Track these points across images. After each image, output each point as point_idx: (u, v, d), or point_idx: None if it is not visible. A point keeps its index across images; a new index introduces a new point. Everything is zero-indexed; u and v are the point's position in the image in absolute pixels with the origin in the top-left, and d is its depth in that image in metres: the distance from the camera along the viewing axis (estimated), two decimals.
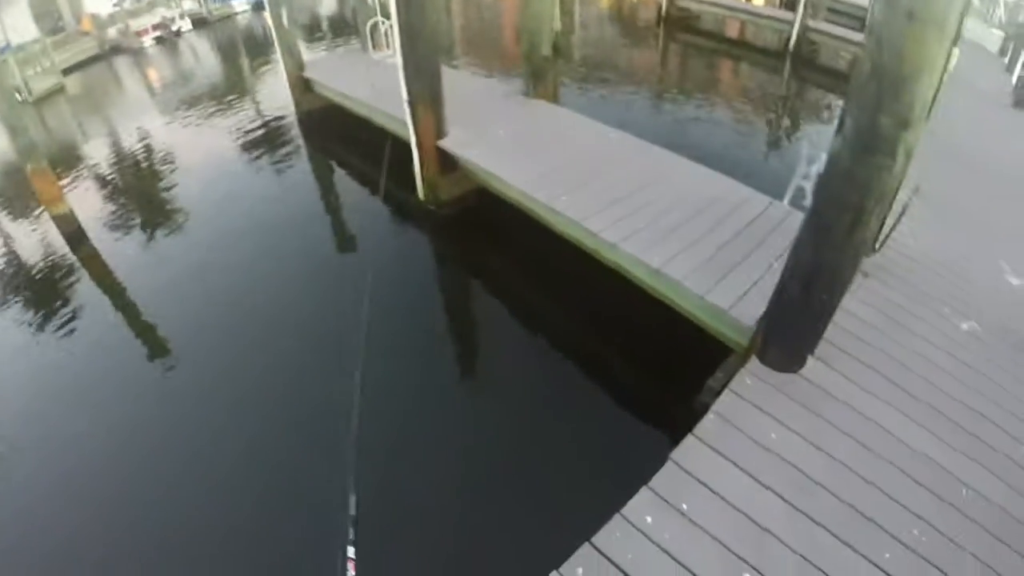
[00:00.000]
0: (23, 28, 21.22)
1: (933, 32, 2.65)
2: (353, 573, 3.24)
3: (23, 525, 4.70)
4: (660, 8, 15.25)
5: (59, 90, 18.27)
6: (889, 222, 5.21)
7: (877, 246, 5.30)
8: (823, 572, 3.12)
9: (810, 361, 4.37)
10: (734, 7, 14.85)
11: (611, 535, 3.25)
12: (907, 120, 2.87)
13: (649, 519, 3.33)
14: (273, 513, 4.56)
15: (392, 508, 4.37)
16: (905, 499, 3.52)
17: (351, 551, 3.33)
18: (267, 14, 10.66)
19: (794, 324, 4.16)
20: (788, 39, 12.87)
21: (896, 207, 5.09)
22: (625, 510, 3.37)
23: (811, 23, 12.30)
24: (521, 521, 4.33)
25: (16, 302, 8.30)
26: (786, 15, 13.08)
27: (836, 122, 3.13)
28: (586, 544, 3.20)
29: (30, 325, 7.53)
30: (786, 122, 10.63)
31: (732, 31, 15.53)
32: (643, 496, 3.46)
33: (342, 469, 3.82)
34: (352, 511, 3.62)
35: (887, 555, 3.22)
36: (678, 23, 15.21)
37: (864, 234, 3.42)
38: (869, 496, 3.53)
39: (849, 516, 3.41)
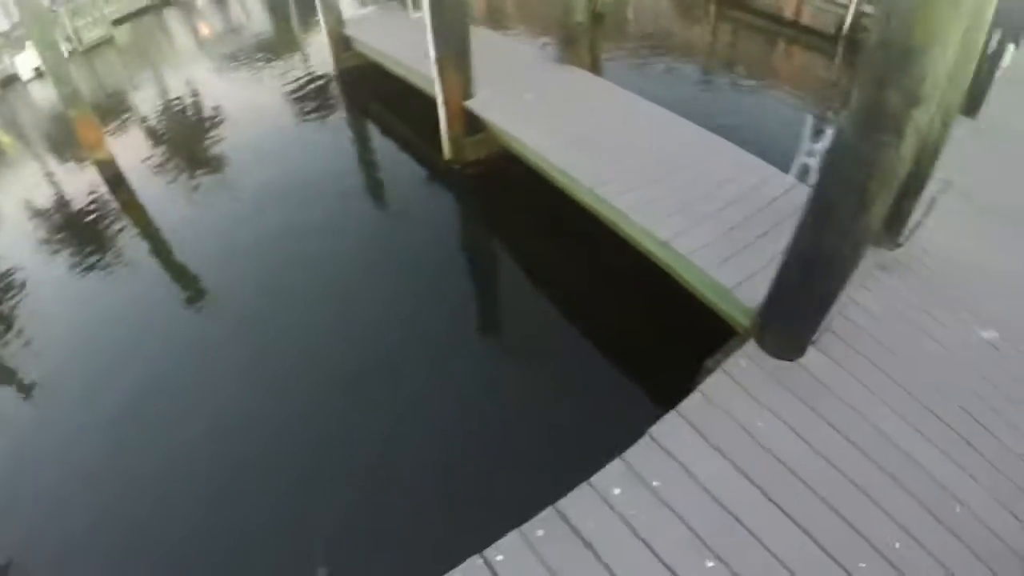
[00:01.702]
0: None
1: (945, 5, 2.50)
2: None
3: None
4: None
5: (108, 40, 18.68)
6: (916, 216, 4.96)
7: (901, 240, 5.05)
8: (789, 571, 3.01)
9: (811, 351, 4.20)
10: None
11: (576, 502, 3.21)
12: (916, 96, 2.70)
13: (617, 491, 3.27)
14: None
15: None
16: (891, 507, 3.34)
17: None
18: None
19: (793, 310, 3.99)
20: (842, 23, 12.46)
21: (924, 200, 4.83)
22: (594, 479, 3.32)
23: (866, 8, 11.84)
24: (490, 482, 4.40)
25: (58, 239, 8.78)
26: None
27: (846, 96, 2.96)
28: (550, 508, 3.16)
29: (71, 258, 8.20)
30: (830, 106, 10.21)
31: (787, 11, 14.90)
32: (614, 467, 3.40)
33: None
34: None
35: (862, 564, 3.07)
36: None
37: (869, 220, 3.22)
38: (852, 499, 3.37)
39: (827, 517, 3.26)
